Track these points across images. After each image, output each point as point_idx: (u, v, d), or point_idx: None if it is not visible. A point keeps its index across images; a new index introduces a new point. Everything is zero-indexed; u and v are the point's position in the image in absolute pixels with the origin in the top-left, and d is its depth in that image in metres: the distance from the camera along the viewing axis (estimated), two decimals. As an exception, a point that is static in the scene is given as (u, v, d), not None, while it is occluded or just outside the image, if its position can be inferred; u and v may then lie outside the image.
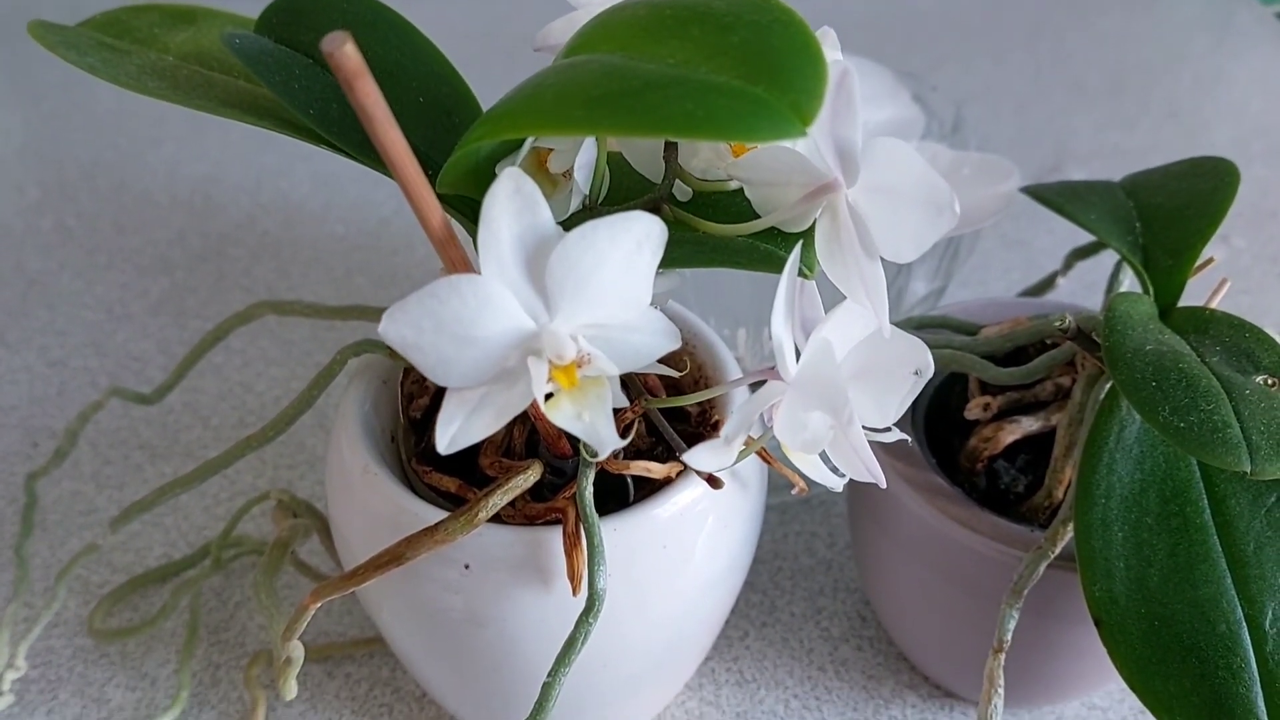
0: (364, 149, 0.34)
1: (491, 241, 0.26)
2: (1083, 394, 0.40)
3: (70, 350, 0.64)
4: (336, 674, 0.48)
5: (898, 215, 0.28)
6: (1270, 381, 0.35)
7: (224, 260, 0.70)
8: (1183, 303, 0.39)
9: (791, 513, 0.56)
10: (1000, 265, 0.72)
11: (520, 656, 0.37)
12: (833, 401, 0.28)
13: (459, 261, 0.28)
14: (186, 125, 0.80)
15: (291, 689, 0.39)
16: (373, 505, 0.37)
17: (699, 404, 0.40)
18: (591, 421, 0.27)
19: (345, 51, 0.22)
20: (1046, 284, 0.51)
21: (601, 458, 0.28)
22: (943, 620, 0.43)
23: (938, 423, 0.44)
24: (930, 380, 0.45)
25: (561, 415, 0.27)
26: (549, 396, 0.27)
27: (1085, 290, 0.67)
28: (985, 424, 0.42)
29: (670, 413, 0.40)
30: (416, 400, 0.40)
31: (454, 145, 0.36)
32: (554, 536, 0.35)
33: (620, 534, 0.35)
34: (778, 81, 0.23)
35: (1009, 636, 0.37)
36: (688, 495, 0.36)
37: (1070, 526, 0.37)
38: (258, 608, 0.45)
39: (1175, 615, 0.35)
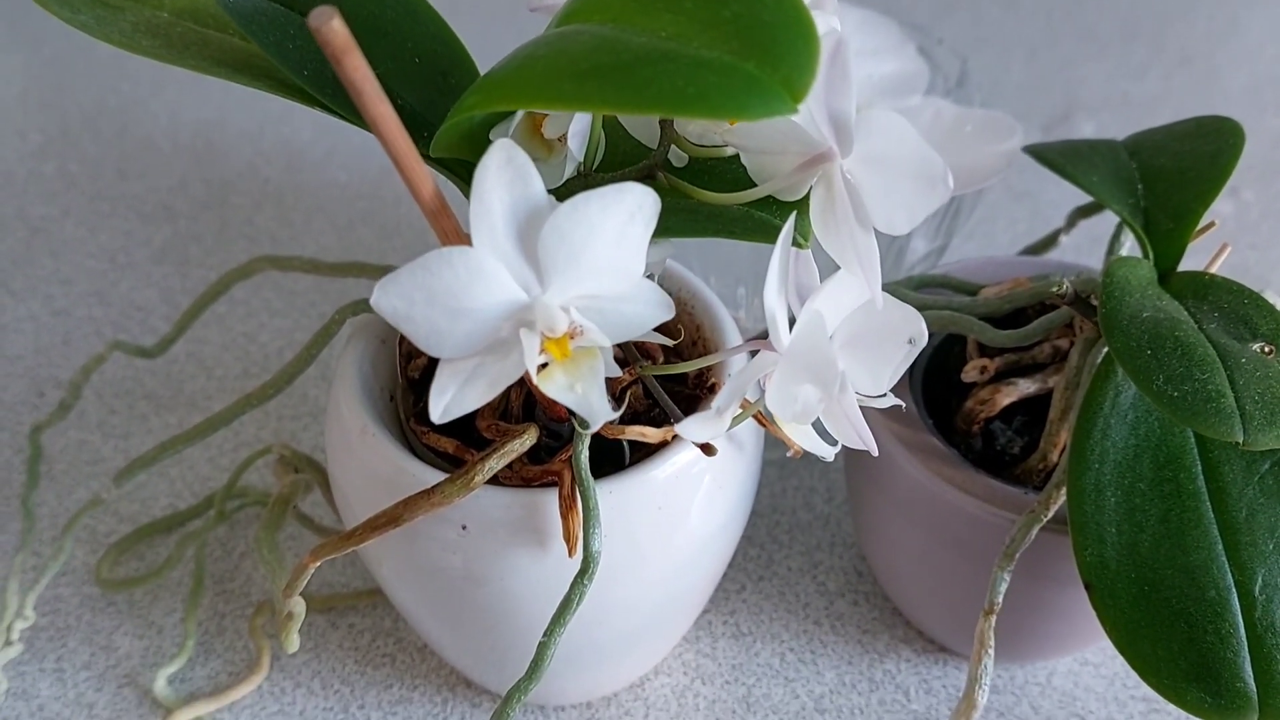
0: (358, 112, 0.34)
1: (483, 213, 0.26)
2: (1080, 357, 0.40)
3: (74, 299, 0.64)
4: (340, 624, 0.49)
5: (892, 187, 0.28)
6: (1267, 349, 0.35)
7: (226, 209, 0.70)
8: (1184, 266, 0.39)
9: (790, 468, 0.56)
10: (1006, 218, 0.72)
11: (518, 613, 0.38)
12: (823, 375, 0.28)
13: (451, 232, 0.28)
14: (189, 70, 0.79)
15: (294, 642, 0.40)
16: (371, 465, 0.37)
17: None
18: (584, 393, 0.28)
19: (332, 27, 0.22)
20: (1049, 241, 0.51)
21: (595, 427, 0.28)
22: (936, 579, 0.44)
23: (935, 383, 0.45)
24: (928, 341, 0.45)
25: (554, 387, 0.28)
26: (542, 367, 0.28)
27: (1090, 245, 0.67)
28: (982, 386, 0.42)
29: (667, 375, 0.40)
30: (415, 360, 0.41)
31: (450, 106, 0.35)
32: (550, 499, 0.35)
33: (616, 496, 0.36)
34: (770, 57, 0.23)
35: (1000, 599, 0.37)
36: (684, 458, 0.36)
37: (1063, 490, 0.37)
38: (260, 562, 0.46)
39: (1165, 580, 0.35)
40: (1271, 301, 0.37)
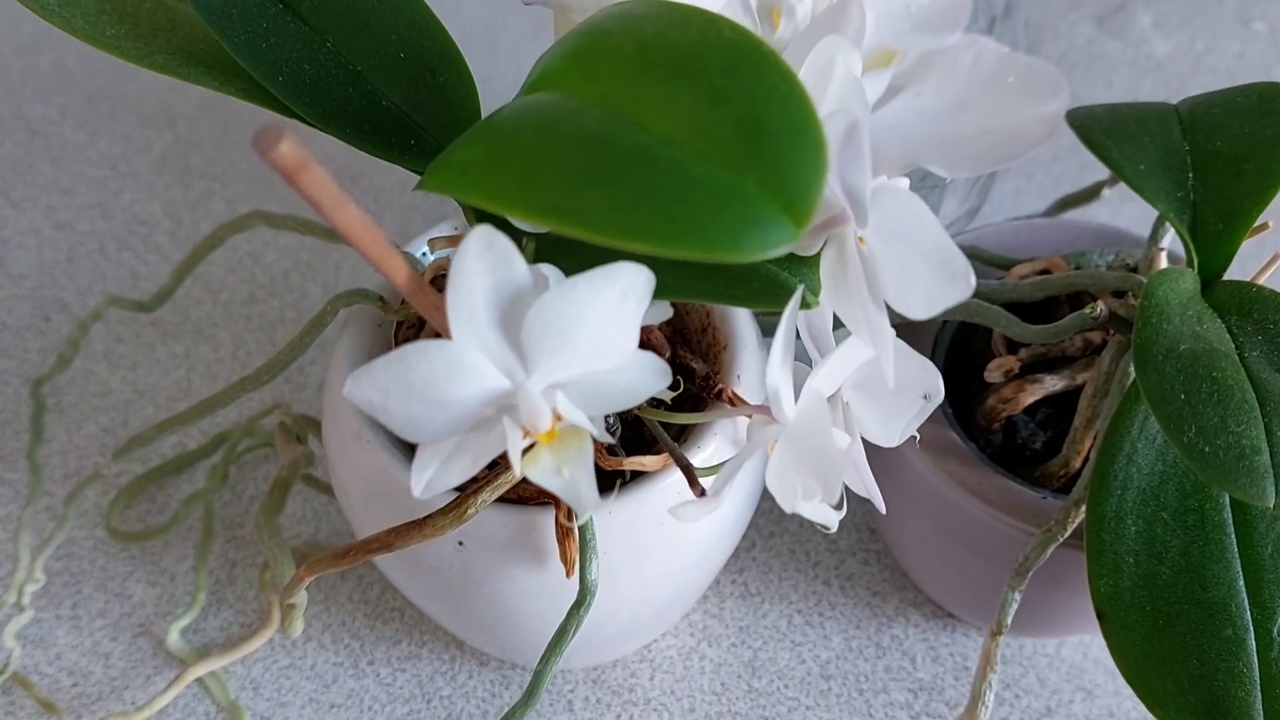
0: (340, 122, 0.31)
1: (462, 302, 0.24)
2: (1110, 363, 0.37)
3: (76, 212, 0.62)
4: (349, 575, 0.49)
5: (909, 268, 0.25)
6: (1311, 383, 0.32)
7: (228, 109, 0.67)
8: (1236, 262, 0.36)
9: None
10: (1049, 151, 0.67)
11: (515, 615, 0.37)
12: (825, 471, 0.26)
13: (431, 307, 0.26)
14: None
15: (298, 628, 0.40)
16: (365, 468, 0.36)
17: (705, 365, 0.38)
18: (572, 478, 0.26)
19: (280, 153, 0.20)
20: (1092, 192, 0.48)
21: (586, 514, 0.27)
22: (949, 567, 0.43)
23: (957, 365, 0.42)
24: (952, 319, 0.43)
25: (540, 471, 0.26)
26: (528, 448, 0.26)
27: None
28: (1007, 382, 0.40)
29: (675, 370, 0.38)
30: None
31: (438, 106, 0.33)
32: (547, 518, 0.34)
33: (616, 516, 0.35)
34: (771, 174, 0.21)
35: (1009, 620, 0.36)
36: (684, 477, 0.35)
37: (1082, 509, 0.36)
38: (261, 548, 0.45)
39: (1181, 615, 0.34)
40: (1322, 319, 0.34)
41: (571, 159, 0.21)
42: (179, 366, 0.56)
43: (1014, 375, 0.40)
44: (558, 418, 0.26)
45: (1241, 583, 0.34)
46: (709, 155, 0.21)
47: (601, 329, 0.25)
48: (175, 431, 0.43)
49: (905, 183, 0.27)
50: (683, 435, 0.37)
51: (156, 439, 0.41)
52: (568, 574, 0.34)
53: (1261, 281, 0.36)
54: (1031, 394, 0.39)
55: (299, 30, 0.32)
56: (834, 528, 0.28)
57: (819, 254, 0.27)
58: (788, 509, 0.27)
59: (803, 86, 0.21)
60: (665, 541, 0.36)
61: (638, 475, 0.35)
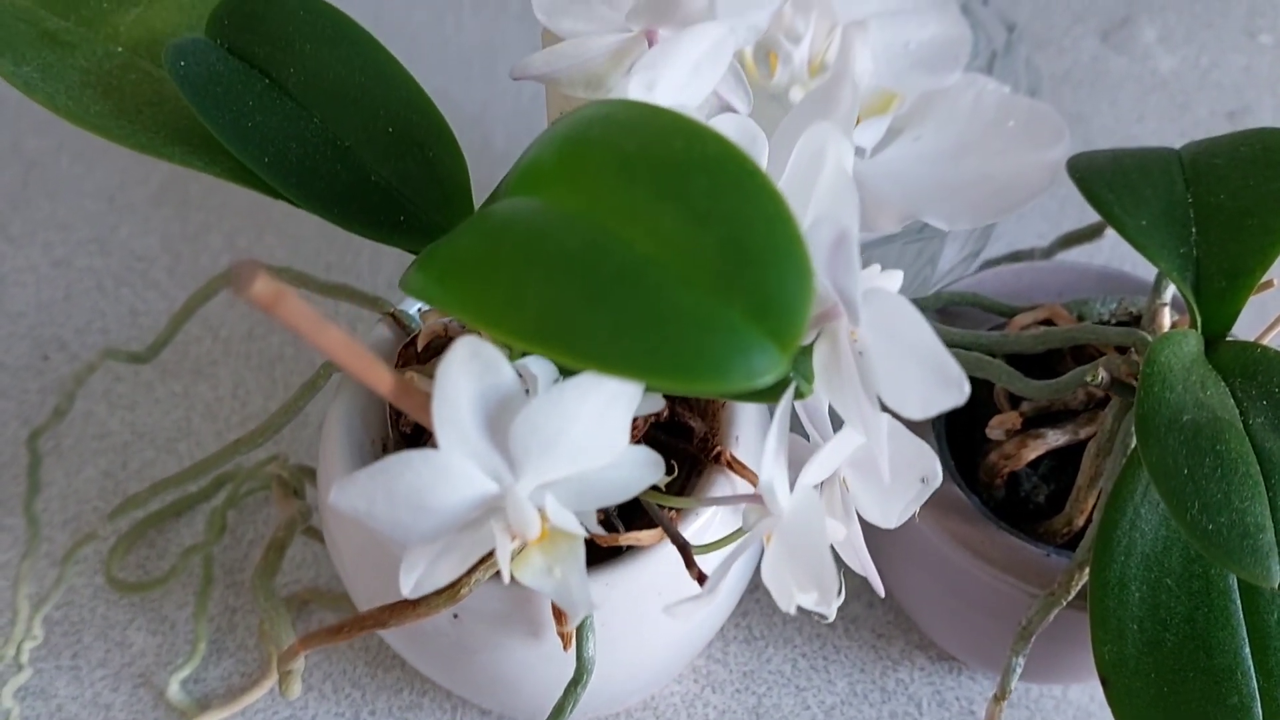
0: (327, 201, 0.31)
1: (448, 410, 0.24)
2: (1113, 421, 0.37)
3: (74, 248, 0.62)
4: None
5: (903, 369, 0.25)
6: (1317, 452, 0.32)
7: (226, 139, 0.66)
8: (1242, 318, 0.36)
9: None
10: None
11: (513, 679, 0.37)
12: (818, 575, 0.26)
13: (419, 408, 0.25)
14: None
15: (295, 691, 0.40)
16: (357, 534, 0.36)
17: (703, 423, 0.38)
18: (564, 578, 0.26)
19: (257, 291, 0.19)
20: (1095, 230, 0.47)
21: (579, 617, 0.27)
22: (952, 618, 0.42)
23: (960, 416, 0.42)
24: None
25: (530, 572, 0.26)
26: (519, 549, 0.26)
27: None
28: (1009, 438, 0.39)
29: (672, 429, 0.38)
30: (405, 416, 0.39)
31: (429, 181, 0.32)
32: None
33: (614, 589, 0.34)
34: (756, 301, 0.20)
35: (1013, 685, 0.36)
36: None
37: (1086, 571, 0.36)
38: (258, 609, 0.45)
39: (1186, 682, 0.34)
40: (1329, 380, 0.34)
41: (554, 280, 0.21)
42: (178, 406, 0.56)
43: (1016, 431, 0.39)
44: (545, 518, 0.25)
45: (1247, 650, 0.34)
46: (693, 280, 0.20)
47: (590, 432, 0.25)
48: (166, 489, 0.43)
49: (898, 281, 0.26)
50: (684, 491, 0.36)
51: (150, 499, 0.41)
52: (565, 647, 0.34)
53: (1266, 341, 0.35)
54: (1034, 450, 0.39)
55: (285, 106, 0.32)
56: (831, 616, 0.28)
57: (814, 343, 0.27)
58: (784, 608, 0.27)
59: (787, 207, 0.21)
60: (664, 601, 0.36)
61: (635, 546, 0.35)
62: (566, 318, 0.20)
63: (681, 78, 0.27)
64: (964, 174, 0.43)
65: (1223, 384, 0.34)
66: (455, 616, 0.35)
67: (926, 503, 0.39)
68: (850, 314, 0.25)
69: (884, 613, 0.49)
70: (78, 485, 0.53)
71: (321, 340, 0.22)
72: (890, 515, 0.29)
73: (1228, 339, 0.35)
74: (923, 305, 0.43)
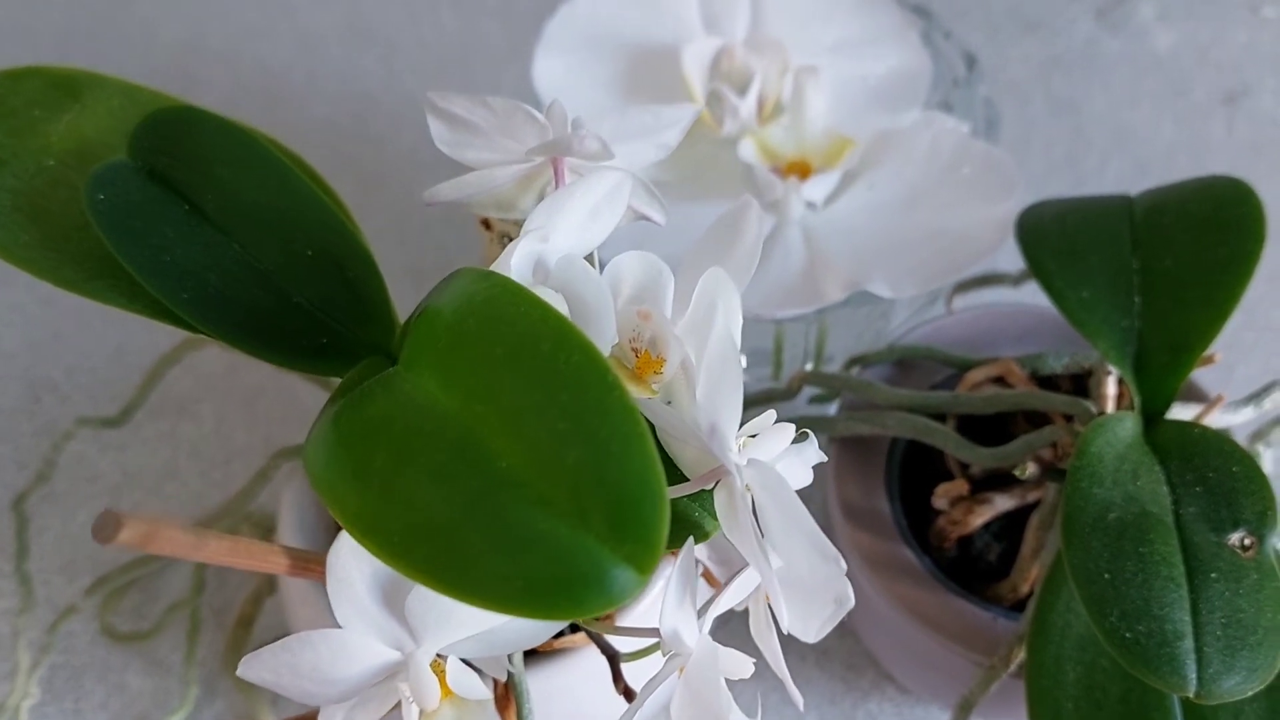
0: (248, 331, 0.31)
1: (344, 591, 0.25)
2: (1056, 494, 0.37)
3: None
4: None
5: (788, 534, 0.25)
6: (1247, 542, 0.32)
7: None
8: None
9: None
10: (1042, 138, 0.65)
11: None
12: (715, 730, 0.26)
13: (322, 577, 0.26)
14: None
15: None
16: (313, 622, 0.37)
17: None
18: (473, 732, 0.27)
19: (124, 539, 0.20)
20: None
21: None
22: (908, 667, 0.43)
23: (913, 473, 0.42)
24: (902, 437, 0.42)
25: (441, 725, 0.27)
26: (429, 702, 0.27)
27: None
28: (956, 504, 0.39)
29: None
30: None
31: (349, 300, 0.33)
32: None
33: (557, 678, 0.35)
34: (612, 527, 0.20)
35: (956, 757, 0.37)
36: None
37: (1025, 646, 0.36)
38: (231, 682, 0.47)
39: (1121, 762, 0.34)
40: (1266, 460, 0.34)
41: (421, 494, 0.21)
42: (164, 445, 0.57)
43: (963, 497, 0.39)
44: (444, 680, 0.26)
45: (1182, 730, 0.34)
46: (552, 501, 0.21)
47: (488, 599, 0.25)
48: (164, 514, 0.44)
49: (788, 437, 0.26)
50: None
51: (124, 577, 0.42)
52: (511, 737, 0.35)
53: (1206, 421, 0.35)
54: (981, 515, 0.39)
55: (205, 234, 0.32)
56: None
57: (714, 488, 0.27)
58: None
59: (644, 427, 0.21)
60: (607, 690, 0.36)
61: (575, 634, 0.36)
62: (429, 538, 0.21)
63: (579, 223, 0.27)
64: (915, 228, 0.43)
65: (1157, 469, 0.34)
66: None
67: (878, 566, 0.39)
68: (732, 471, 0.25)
69: (855, 644, 0.50)
70: (72, 530, 0.54)
71: (204, 556, 0.22)
72: (810, 631, 0.30)
73: (1167, 419, 0.35)
74: (877, 359, 0.42)
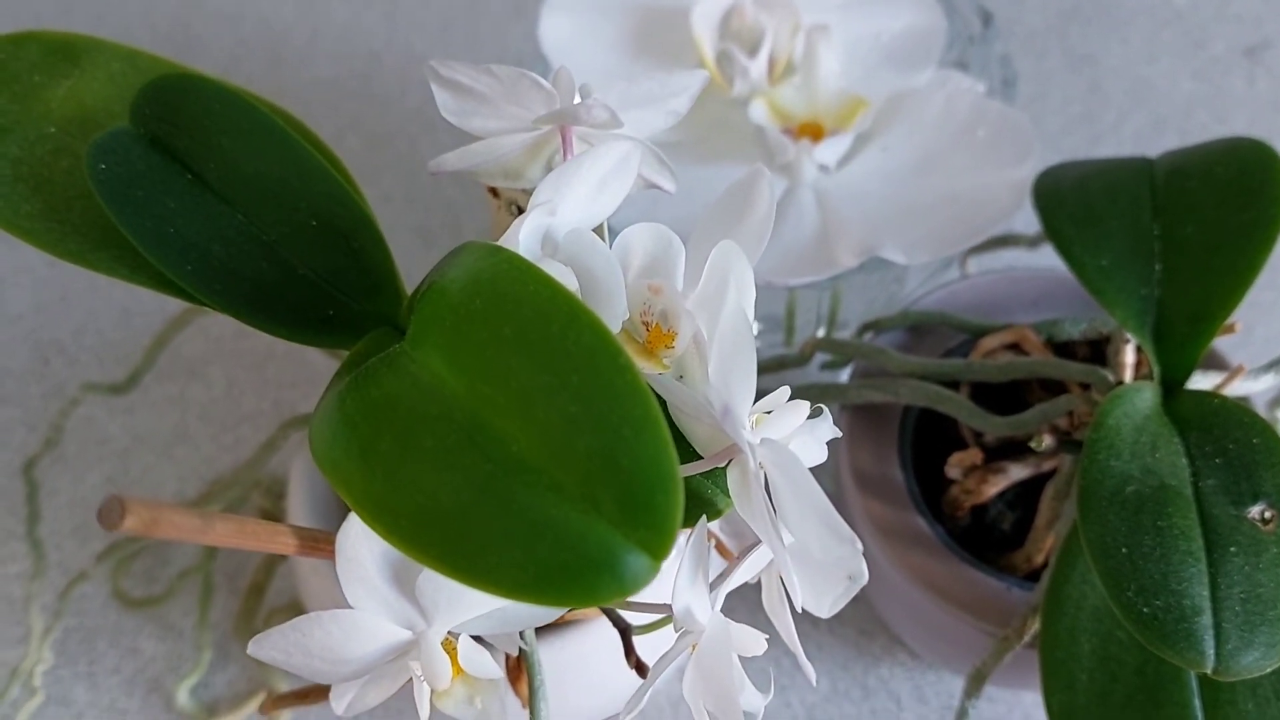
0: (253, 304, 0.31)
1: (353, 571, 0.24)
2: (1071, 465, 0.36)
3: (67, 244, 0.62)
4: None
5: (802, 513, 0.25)
6: (1268, 516, 0.31)
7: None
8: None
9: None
10: (1060, 93, 0.64)
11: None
12: (726, 711, 0.26)
13: (328, 558, 0.26)
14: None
15: (283, 722, 0.42)
16: (324, 593, 0.37)
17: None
18: (485, 708, 0.26)
19: (129, 525, 0.19)
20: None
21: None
22: (921, 635, 0.43)
23: (927, 441, 0.42)
24: (915, 405, 0.42)
25: (453, 703, 0.26)
26: (440, 680, 0.26)
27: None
28: (969, 473, 0.39)
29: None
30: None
31: (356, 273, 0.32)
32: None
33: (569, 649, 0.35)
34: (625, 513, 0.20)
35: (966, 729, 0.37)
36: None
37: (1039, 617, 0.36)
38: (244, 647, 0.47)
39: (1135, 733, 0.34)
40: (1288, 431, 0.33)
41: (430, 479, 0.21)
42: (174, 408, 0.57)
43: (977, 466, 0.39)
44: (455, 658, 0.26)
45: (1198, 702, 0.34)
46: (564, 488, 0.20)
47: (499, 578, 0.25)
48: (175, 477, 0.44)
49: (803, 412, 0.26)
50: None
51: (136, 543, 0.42)
52: (524, 705, 0.35)
53: (1226, 392, 0.34)
54: (995, 485, 0.38)
55: (208, 204, 0.31)
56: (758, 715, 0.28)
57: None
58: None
59: (656, 409, 0.20)
60: (619, 662, 0.36)
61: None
62: (438, 523, 0.20)
63: (586, 196, 0.26)
64: (929, 192, 0.42)
65: (1176, 440, 0.33)
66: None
67: (890, 535, 0.39)
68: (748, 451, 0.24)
69: (868, 609, 0.49)
70: (83, 493, 0.55)
71: (211, 539, 0.22)
72: (823, 605, 0.30)
73: (1187, 389, 0.34)
74: (890, 324, 0.42)
